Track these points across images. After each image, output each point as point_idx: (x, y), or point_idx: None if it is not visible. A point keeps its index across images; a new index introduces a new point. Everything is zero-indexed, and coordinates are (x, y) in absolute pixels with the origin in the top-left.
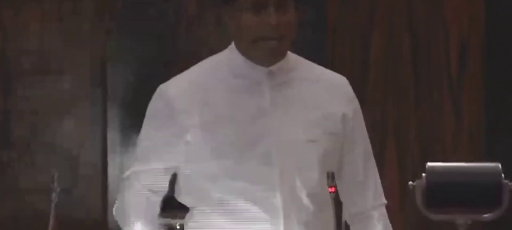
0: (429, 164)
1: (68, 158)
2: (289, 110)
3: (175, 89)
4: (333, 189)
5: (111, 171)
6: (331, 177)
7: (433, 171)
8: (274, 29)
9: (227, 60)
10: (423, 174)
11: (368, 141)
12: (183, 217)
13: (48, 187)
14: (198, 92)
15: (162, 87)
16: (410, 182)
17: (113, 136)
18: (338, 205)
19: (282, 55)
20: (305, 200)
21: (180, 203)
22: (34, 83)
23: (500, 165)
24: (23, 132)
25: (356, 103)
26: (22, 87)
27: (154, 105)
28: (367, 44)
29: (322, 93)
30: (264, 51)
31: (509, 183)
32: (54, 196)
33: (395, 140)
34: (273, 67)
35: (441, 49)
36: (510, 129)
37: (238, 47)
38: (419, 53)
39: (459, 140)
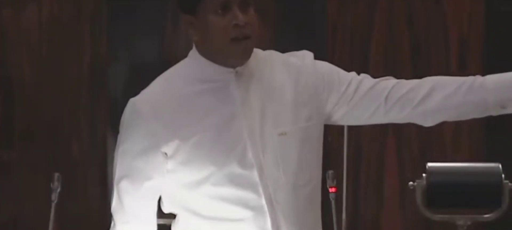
0: (429, 164)
1: (68, 158)
2: (258, 107)
3: (147, 103)
4: (333, 189)
5: (111, 171)
6: (331, 177)
7: (433, 171)
8: (244, 29)
9: (192, 67)
10: (423, 174)
11: (339, 69)
12: (173, 218)
13: (48, 187)
14: (169, 103)
15: (133, 102)
16: (410, 182)
17: (113, 136)
18: (338, 205)
19: (251, 54)
20: (289, 194)
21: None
22: (34, 84)
23: (500, 165)
24: (23, 131)
25: (316, 66)
26: (22, 87)
27: (127, 120)
28: (367, 44)
29: (287, 80)
30: (240, 50)
31: (509, 183)
32: (54, 196)
33: (395, 140)
34: (239, 68)
35: (441, 49)
36: (510, 129)
37: (206, 51)
38: (419, 53)
39: (459, 140)
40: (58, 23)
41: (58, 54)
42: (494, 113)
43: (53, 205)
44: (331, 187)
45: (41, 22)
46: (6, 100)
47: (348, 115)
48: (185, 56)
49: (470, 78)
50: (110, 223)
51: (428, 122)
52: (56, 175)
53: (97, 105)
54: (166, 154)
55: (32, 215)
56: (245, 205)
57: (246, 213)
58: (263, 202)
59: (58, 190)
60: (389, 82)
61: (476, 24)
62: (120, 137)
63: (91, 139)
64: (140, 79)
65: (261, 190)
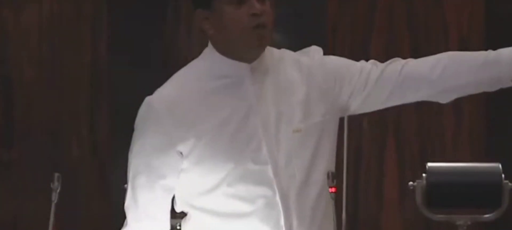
0: (429, 164)
1: (68, 158)
2: (273, 104)
3: (162, 101)
4: (333, 189)
5: (111, 171)
6: (331, 177)
7: (433, 171)
8: (262, 18)
9: (207, 63)
10: (423, 174)
11: (348, 60)
12: (182, 218)
13: (48, 187)
14: (185, 101)
15: (149, 100)
16: (410, 182)
17: (114, 137)
18: (338, 205)
19: (268, 43)
20: (303, 190)
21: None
22: (34, 84)
23: (500, 165)
24: (23, 131)
25: (325, 62)
26: (22, 87)
27: (143, 119)
28: (367, 44)
29: (299, 77)
30: (257, 39)
31: (509, 183)
32: (54, 196)
33: (395, 140)
34: (254, 63)
35: (441, 49)
36: (510, 129)
37: (221, 46)
38: (419, 53)
39: (459, 140)
40: (58, 23)
41: (58, 54)
42: (505, 86)
43: (53, 205)
44: (331, 187)
45: (41, 22)
46: (6, 100)
47: (363, 103)
48: (185, 56)
49: (483, 54)
50: (110, 223)
51: (443, 100)
52: (56, 175)
53: (97, 105)
54: (181, 153)
55: (32, 215)
56: (259, 201)
57: (260, 210)
58: (278, 198)
59: (58, 190)
60: (398, 64)
61: (476, 24)
62: (135, 135)
63: (91, 139)
64: (140, 79)
65: (275, 187)
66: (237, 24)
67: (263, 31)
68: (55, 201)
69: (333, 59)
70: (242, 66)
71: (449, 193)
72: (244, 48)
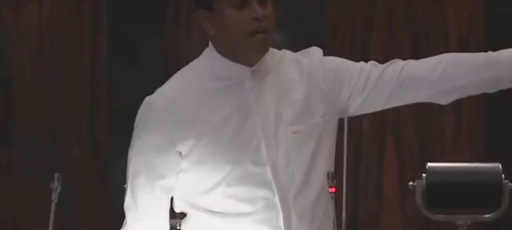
0: (429, 164)
1: (68, 158)
2: (273, 105)
3: (162, 101)
4: (333, 189)
5: (112, 171)
6: (331, 177)
7: (433, 171)
8: (263, 22)
9: (208, 65)
10: (423, 174)
11: (348, 61)
12: (182, 218)
13: (48, 187)
14: (185, 101)
15: (149, 100)
16: (410, 182)
17: (114, 136)
18: (338, 205)
19: (269, 48)
20: (302, 191)
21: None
22: (34, 84)
23: (500, 165)
24: (23, 131)
25: (325, 62)
26: (22, 87)
27: (143, 118)
28: (367, 44)
29: (299, 79)
30: (258, 44)
31: (509, 183)
32: (54, 196)
33: (395, 140)
34: (256, 66)
35: (441, 49)
36: (510, 129)
37: (222, 47)
38: (419, 53)
39: (459, 140)
40: (58, 23)
41: (58, 54)
42: (505, 86)
43: (53, 205)
44: (331, 187)
45: (41, 22)
46: (6, 100)
47: (363, 105)
48: (185, 56)
49: (483, 55)
50: (110, 223)
51: (444, 101)
52: (56, 175)
53: (97, 105)
54: (180, 153)
55: (32, 215)
56: (259, 203)
57: (260, 211)
58: (277, 199)
59: (58, 190)
60: (398, 65)
61: (476, 24)
62: (135, 135)
63: (91, 139)
64: (139, 79)
65: (274, 188)
66: (238, 27)
67: (265, 37)
68: (55, 201)
69: (333, 60)
70: (243, 69)
71: (449, 193)
72: (244, 51)
